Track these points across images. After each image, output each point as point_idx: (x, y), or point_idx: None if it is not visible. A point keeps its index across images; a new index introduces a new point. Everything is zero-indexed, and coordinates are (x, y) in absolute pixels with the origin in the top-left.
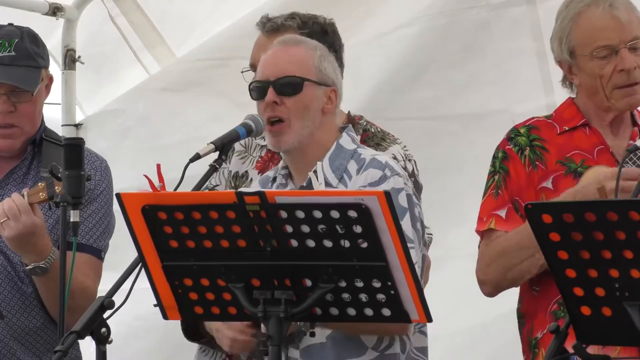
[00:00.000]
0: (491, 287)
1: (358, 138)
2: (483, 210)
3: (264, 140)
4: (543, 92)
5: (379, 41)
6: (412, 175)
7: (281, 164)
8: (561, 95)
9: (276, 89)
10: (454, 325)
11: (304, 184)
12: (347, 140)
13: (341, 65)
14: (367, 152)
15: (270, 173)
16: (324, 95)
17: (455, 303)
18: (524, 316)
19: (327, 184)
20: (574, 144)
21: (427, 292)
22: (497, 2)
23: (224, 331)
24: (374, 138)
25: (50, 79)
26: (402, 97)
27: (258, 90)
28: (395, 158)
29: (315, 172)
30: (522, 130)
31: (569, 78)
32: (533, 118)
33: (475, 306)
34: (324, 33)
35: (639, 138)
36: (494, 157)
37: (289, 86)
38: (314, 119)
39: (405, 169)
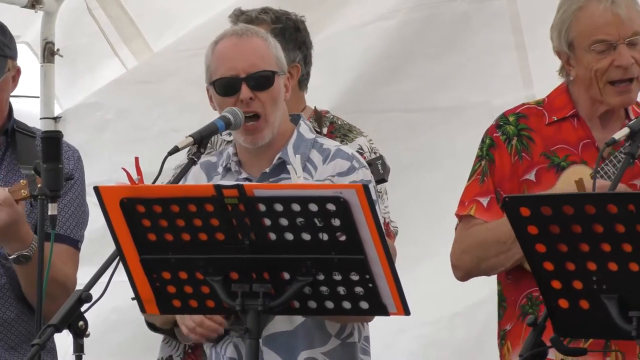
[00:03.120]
0: (463, 273)
1: (325, 130)
2: (466, 194)
3: (230, 135)
4: (522, 86)
5: (357, 32)
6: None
7: (231, 150)
8: (540, 88)
9: (250, 85)
10: (422, 317)
11: (267, 170)
12: (306, 129)
13: (310, 62)
14: (329, 142)
15: (213, 159)
16: (284, 84)
17: (426, 295)
18: (505, 300)
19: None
20: (560, 137)
21: None
22: None
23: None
24: (340, 130)
25: (18, 71)
26: (382, 89)
27: (227, 86)
28: (361, 149)
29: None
30: (511, 119)
31: (567, 69)
32: (524, 105)
33: (446, 298)
34: (296, 29)
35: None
36: (482, 141)
37: (262, 81)
38: (282, 109)
39: (388, 167)
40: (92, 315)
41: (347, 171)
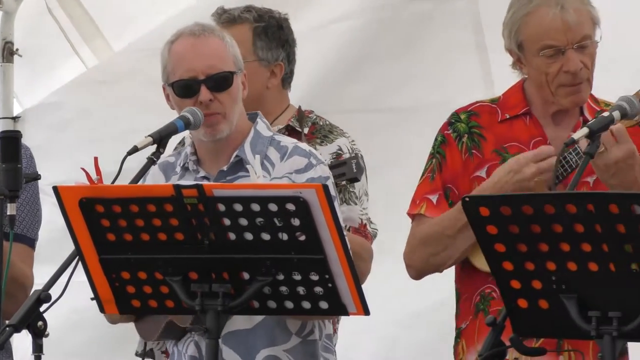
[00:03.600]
0: (415, 271)
1: (306, 130)
2: (417, 193)
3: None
4: (483, 85)
5: (317, 33)
6: None
7: (189, 149)
8: (501, 88)
9: (209, 86)
10: (385, 316)
11: (225, 168)
12: (263, 127)
13: (294, 60)
14: (287, 140)
15: (171, 159)
16: (241, 82)
17: (387, 295)
18: (460, 298)
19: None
20: (512, 134)
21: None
22: None
23: None
24: (321, 130)
25: None
26: (342, 90)
27: (186, 88)
28: (340, 150)
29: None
30: (462, 117)
31: (518, 66)
32: (477, 103)
33: (407, 297)
34: (279, 27)
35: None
36: (435, 139)
37: (221, 82)
38: (239, 108)
39: (363, 167)
40: (52, 315)
41: (304, 168)
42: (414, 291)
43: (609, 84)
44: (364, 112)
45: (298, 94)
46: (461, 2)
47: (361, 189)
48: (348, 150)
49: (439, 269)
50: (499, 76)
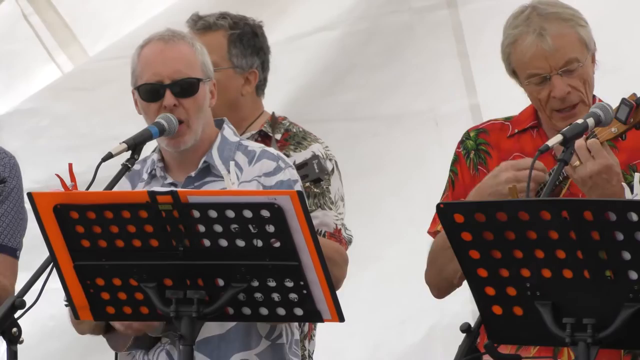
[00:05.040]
0: (433, 288)
1: (279, 136)
2: None
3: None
4: (466, 93)
5: (297, 43)
6: (332, 173)
7: (156, 156)
8: (484, 95)
9: (174, 91)
10: (370, 322)
11: (193, 174)
12: (230, 133)
13: (268, 67)
14: (254, 145)
15: (137, 167)
16: (209, 90)
17: (373, 301)
18: None
19: (218, 176)
20: (518, 147)
21: (345, 290)
22: (420, 6)
23: None
24: (295, 137)
25: None
26: (324, 100)
27: (151, 92)
28: (316, 156)
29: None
30: (472, 134)
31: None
32: (489, 121)
33: (392, 304)
34: (254, 35)
35: (588, 137)
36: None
37: (186, 88)
38: (206, 115)
39: (325, 167)
40: (29, 322)
41: (273, 171)
42: (398, 297)
43: (618, 88)
44: (346, 121)
45: (279, 105)
46: (443, 12)
47: (337, 194)
48: (323, 155)
49: (452, 282)
50: (482, 83)
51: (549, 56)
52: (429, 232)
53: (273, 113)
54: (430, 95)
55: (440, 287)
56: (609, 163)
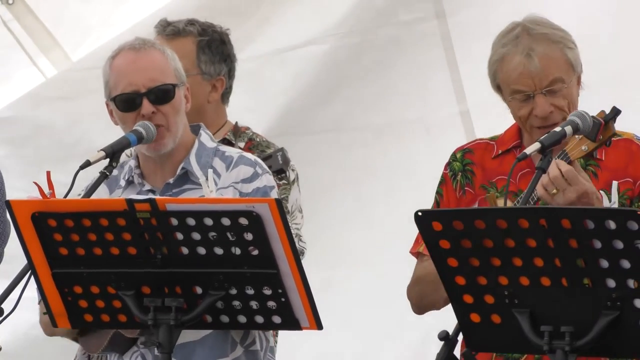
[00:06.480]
0: (414, 306)
1: (242, 145)
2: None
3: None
4: (455, 100)
5: (286, 56)
6: (292, 183)
7: (133, 163)
8: (473, 102)
9: (151, 99)
10: (359, 328)
11: (171, 181)
12: (207, 138)
13: (233, 76)
14: (232, 150)
15: (115, 172)
16: (183, 95)
17: (361, 308)
18: None
19: (196, 183)
20: (501, 169)
21: (336, 297)
22: (408, 19)
23: None
24: (258, 146)
25: None
26: (314, 111)
27: (128, 102)
28: (281, 148)
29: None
30: (458, 155)
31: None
32: (476, 140)
33: (381, 310)
34: (222, 42)
35: (559, 155)
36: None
37: (163, 94)
38: (183, 120)
39: (287, 176)
40: (10, 330)
41: (250, 177)
42: (387, 305)
43: (617, 98)
44: (337, 131)
45: (270, 117)
46: (431, 22)
47: (294, 204)
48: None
49: (434, 307)
50: (471, 90)
51: (534, 76)
52: (411, 253)
53: (236, 122)
54: (420, 104)
55: (420, 306)
56: (585, 189)
